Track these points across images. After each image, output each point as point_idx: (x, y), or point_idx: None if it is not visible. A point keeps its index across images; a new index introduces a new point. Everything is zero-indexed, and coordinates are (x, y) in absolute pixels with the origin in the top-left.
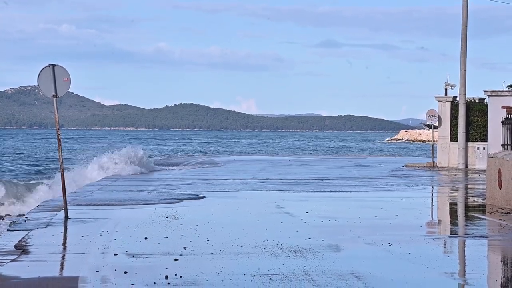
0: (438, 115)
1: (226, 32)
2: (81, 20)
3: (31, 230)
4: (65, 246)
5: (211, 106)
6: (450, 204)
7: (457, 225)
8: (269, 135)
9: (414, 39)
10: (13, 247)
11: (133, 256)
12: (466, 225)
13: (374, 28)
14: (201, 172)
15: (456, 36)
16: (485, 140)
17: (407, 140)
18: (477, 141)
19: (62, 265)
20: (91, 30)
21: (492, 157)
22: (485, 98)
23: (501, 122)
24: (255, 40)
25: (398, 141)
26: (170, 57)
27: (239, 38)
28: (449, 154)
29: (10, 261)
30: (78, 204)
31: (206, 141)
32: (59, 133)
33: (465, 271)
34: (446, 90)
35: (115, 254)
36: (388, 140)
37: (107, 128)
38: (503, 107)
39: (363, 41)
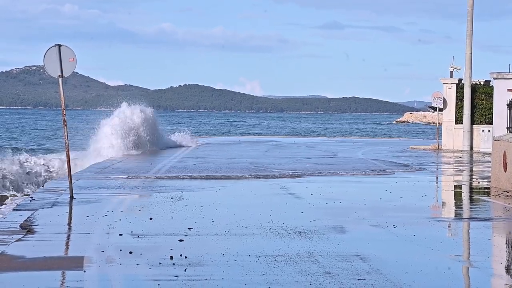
0: (443, 98)
1: (229, 13)
2: (84, 0)
3: (36, 210)
4: (70, 226)
5: (216, 87)
6: (455, 186)
7: (461, 208)
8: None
9: (418, 21)
10: (18, 227)
11: (138, 236)
12: (471, 208)
13: (377, 10)
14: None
15: (460, 17)
16: (490, 122)
17: (413, 122)
18: (482, 124)
19: (67, 245)
20: (94, 10)
21: (498, 140)
22: (490, 81)
23: (507, 105)
24: (258, 21)
25: (405, 123)
26: (174, 38)
27: (242, 19)
28: (454, 137)
29: (16, 241)
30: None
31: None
32: (64, 113)
33: (469, 254)
34: (451, 72)
35: (120, 235)
36: (396, 121)
37: (111, 109)
38: (509, 90)
39: (366, 23)
